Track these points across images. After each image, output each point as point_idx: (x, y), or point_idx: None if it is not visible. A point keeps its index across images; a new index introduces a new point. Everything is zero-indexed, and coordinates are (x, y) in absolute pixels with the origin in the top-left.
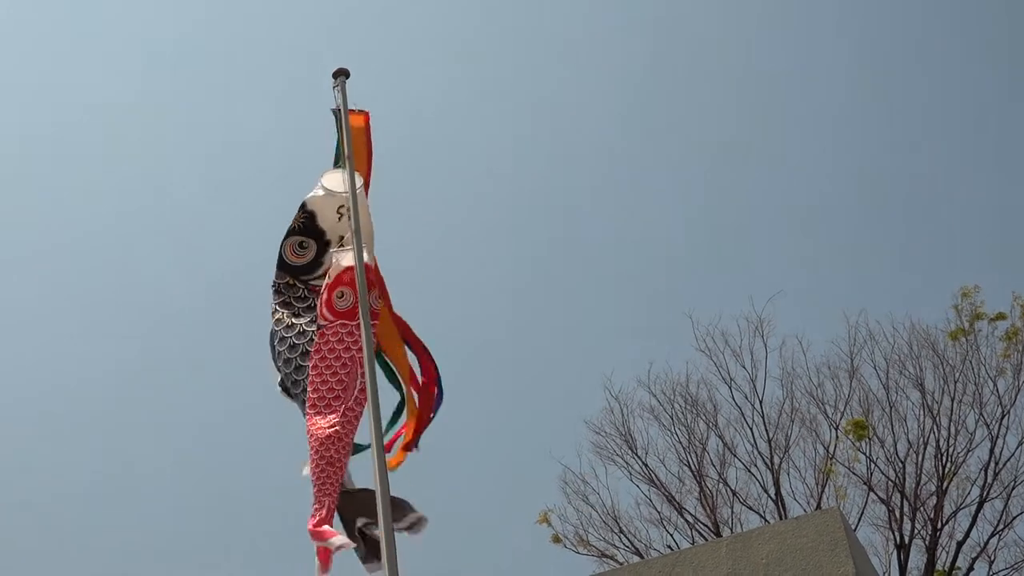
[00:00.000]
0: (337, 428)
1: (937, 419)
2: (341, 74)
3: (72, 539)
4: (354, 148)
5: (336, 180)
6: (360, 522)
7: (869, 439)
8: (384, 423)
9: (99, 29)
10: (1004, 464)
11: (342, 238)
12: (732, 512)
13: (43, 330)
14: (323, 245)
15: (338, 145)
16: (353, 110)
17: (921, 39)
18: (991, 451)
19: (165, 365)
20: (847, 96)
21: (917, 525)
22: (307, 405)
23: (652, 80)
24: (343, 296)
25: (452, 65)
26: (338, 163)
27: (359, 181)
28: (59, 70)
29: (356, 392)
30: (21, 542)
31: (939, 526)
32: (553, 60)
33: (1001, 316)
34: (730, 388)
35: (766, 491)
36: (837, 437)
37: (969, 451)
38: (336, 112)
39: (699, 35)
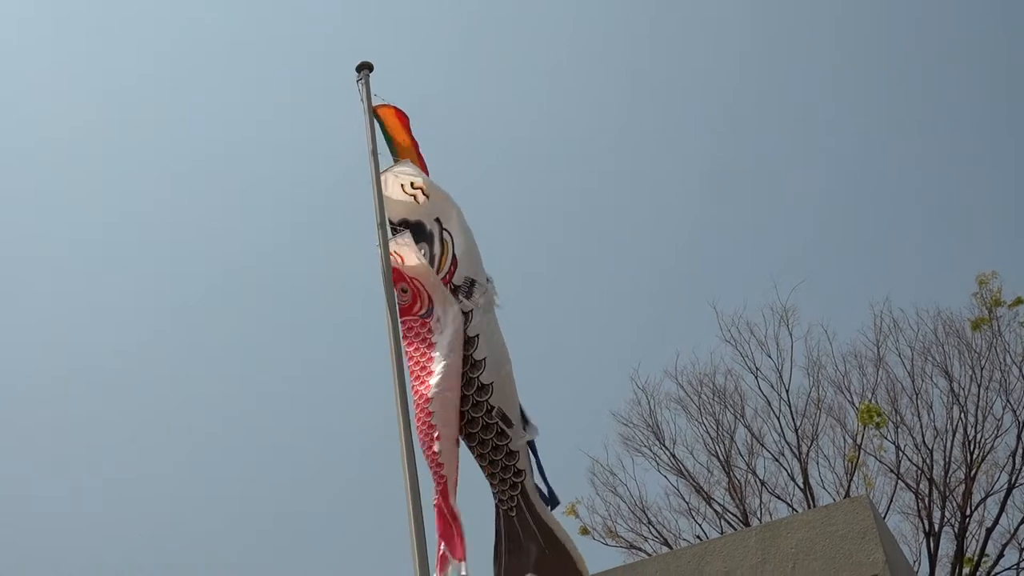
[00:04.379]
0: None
1: (964, 406)
2: (365, 68)
3: (79, 540)
4: (400, 141)
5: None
6: None
7: (896, 426)
8: None
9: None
10: None
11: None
12: (760, 502)
13: (48, 321)
14: (426, 235)
15: (388, 142)
16: (384, 105)
17: (941, 19)
18: (1019, 437)
19: (173, 363)
20: (866, 82)
21: (946, 512)
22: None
23: (670, 65)
24: (405, 291)
25: (466, 53)
26: (394, 157)
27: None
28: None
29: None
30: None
31: (968, 513)
32: (565, 40)
33: (1019, 301)
34: (756, 378)
35: (794, 480)
36: (865, 428)
37: (997, 437)
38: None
39: (722, 7)
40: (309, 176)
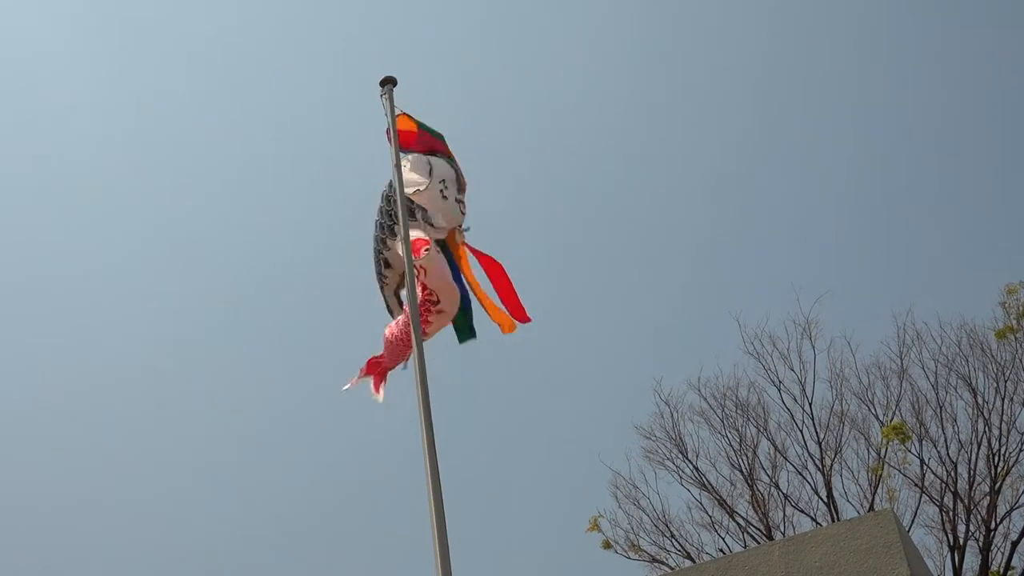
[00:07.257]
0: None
1: (988, 419)
2: (388, 82)
3: (93, 546)
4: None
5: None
6: None
7: (920, 439)
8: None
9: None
10: None
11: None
12: (784, 515)
13: (71, 322)
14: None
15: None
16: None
17: (974, 35)
18: None
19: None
20: (886, 89)
21: (971, 526)
22: None
23: (687, 73)
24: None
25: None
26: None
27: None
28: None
29: None
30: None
31: (993, 526)
32: (585, 51)
33: None
34: (779, 391)
35: (817, 493)
36: (888, 443)
37: (1022, 450)
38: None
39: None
40: (336, 189)
